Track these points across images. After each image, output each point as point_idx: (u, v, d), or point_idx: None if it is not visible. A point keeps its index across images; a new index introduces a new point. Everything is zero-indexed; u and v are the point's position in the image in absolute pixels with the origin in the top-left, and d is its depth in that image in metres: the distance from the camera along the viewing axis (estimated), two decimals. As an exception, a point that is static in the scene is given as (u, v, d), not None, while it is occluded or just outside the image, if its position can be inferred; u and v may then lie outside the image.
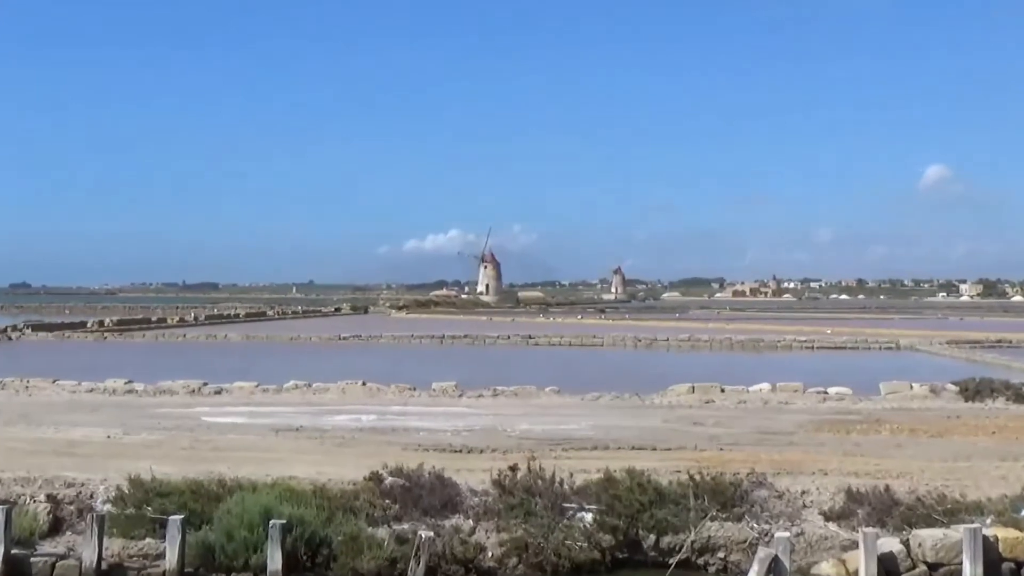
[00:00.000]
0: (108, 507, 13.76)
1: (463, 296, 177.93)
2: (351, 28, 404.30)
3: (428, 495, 13.95)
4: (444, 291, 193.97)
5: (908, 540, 12.81)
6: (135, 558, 12.97)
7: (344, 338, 66.15)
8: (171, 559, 12.59)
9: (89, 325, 76.73)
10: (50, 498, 14.02)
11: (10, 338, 66.10)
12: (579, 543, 13.29)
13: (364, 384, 30.12)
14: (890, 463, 17.21)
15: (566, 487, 14.10)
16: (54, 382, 30.69)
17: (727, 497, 13.86)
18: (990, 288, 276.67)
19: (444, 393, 28.86)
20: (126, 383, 30.04)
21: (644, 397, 28.11)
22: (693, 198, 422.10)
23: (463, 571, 13.04)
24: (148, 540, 13.12)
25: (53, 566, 12.72)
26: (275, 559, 12.40)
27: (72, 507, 13.97)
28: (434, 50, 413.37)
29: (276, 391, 29.33)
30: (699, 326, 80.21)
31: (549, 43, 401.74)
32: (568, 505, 13.81)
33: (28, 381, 30.64)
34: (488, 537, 13.44)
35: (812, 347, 60.32)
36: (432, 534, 12.86)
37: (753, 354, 57.47)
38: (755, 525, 13.61)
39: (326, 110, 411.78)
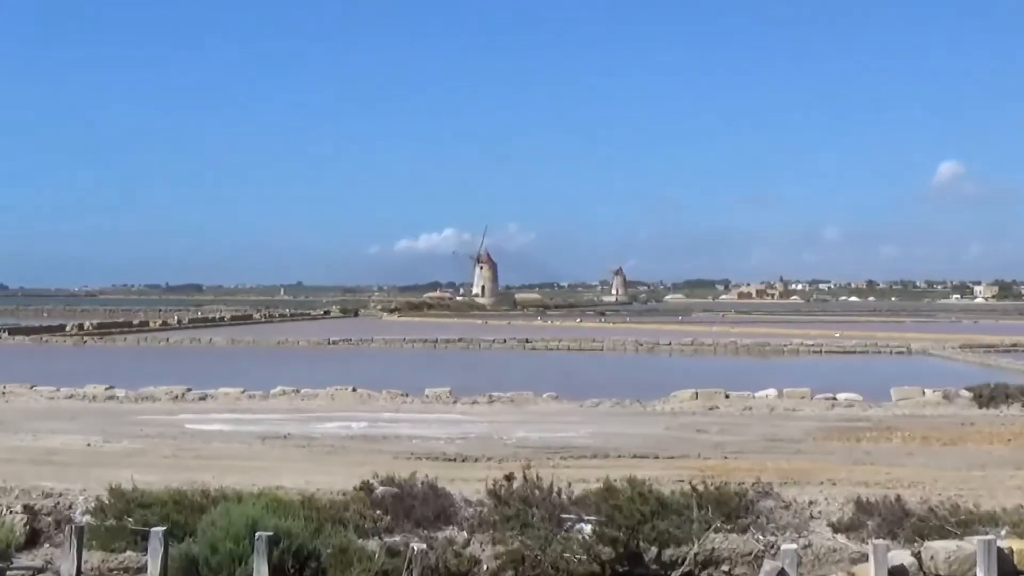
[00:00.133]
0: (87, 518, 13.72)
1: (458, 298, 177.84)
2: (350, 28, 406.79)
3: (421, 505, 13.93)
4: (438, 293, 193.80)
5: (920, 552, 12.80)
6: (115, 571, 12.94)
7: (334, 342, 66.13)
8: (153, 572, 12.55)
9: (68, 328, 76.60)
10: (27, 509, 13.98)
11: (-14, 342, 66.11)
12: (578, 555, 13.26)
13: (354, 390, 30.12)
14: (901, 472, 17.22)
15: (564, 497, 14.08)
16: (31, 388, 30.66)
17: (732, 508, 13.85)
18: (1006, 290, 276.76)
19: (438, 399, 28.86)
20: (106, 389, 30.02)
21: (646, 403, 28.12)
22: (697, 196, 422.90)
23: (457, 585, 13.03)
24: (129, 553, 13.09)
25: (30, 580, 12.69)
26: (261, 572, 12.36)
27: (50, 518, 13.93)
28: (433, 49, 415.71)
29: (263, 397, 29.32)
30: (703, 329, 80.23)
31: (549, 43, 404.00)
32: (566, 516, 13.79)
33: (4, 387, 30.63)
34: (483, 549, 13.43)
35: (820, 351, 60.38)
36: (425, 546, 12.84)
37: (759, 358, 57.52)
38: (761, 537, 13.60)
39: (317, 108, 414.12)
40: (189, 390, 29.90)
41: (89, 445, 20.16)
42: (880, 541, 12.74)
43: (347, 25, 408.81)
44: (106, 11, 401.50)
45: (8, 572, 12.76)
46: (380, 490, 14.42)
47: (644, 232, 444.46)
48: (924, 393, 29.35)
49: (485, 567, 13.24)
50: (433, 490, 14.35)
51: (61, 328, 77.43)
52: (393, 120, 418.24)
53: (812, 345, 62.55)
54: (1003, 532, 13.23)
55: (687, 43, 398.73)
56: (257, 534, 12.55)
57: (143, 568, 12.78)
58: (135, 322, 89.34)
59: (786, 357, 58.09)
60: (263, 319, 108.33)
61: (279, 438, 21.34)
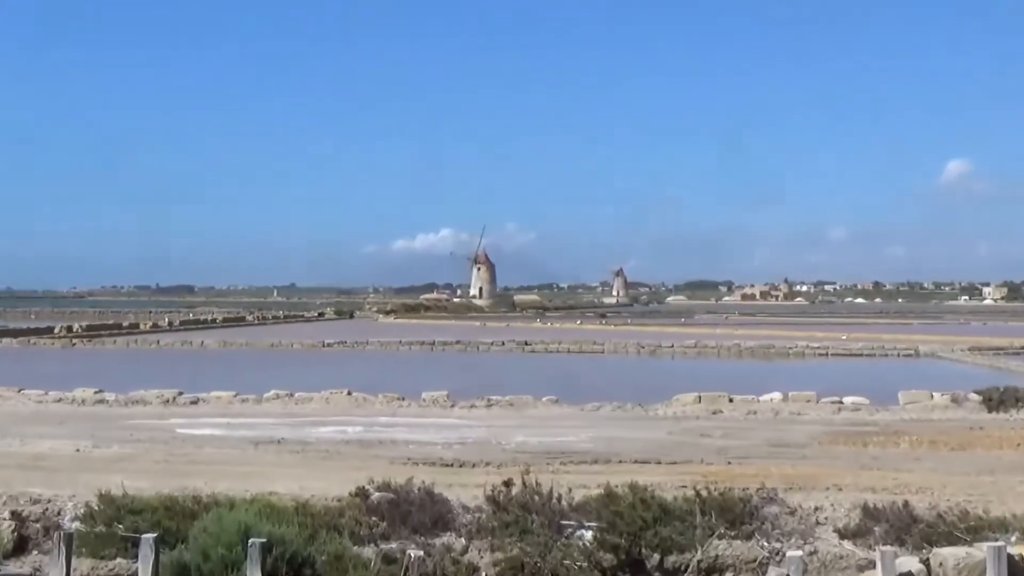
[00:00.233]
0: (76, 525, 13.72)
1: (455, 300, 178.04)
2: (350, 28, 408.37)
3: (417, 512, 13.93)
4: (435, 294, 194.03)
5: (928, 559, 12.81)
6: (105, 579, 12.94)
7: (328, 345, 66.11)
8: (144, 580, 12.57)
9: (56, 331, 76.52)
10: (14, 515, 13.97)
11: (-28, 345, 66.06)
12: (578, 563, 13.27)
13: (350, 394, 30.13)
14: (909, 477, 17.24)
15: (564, 503, 14.09)
16: (19, 391, 30.66)
17: (736, 514, 13.85)
18: (1015, 291, 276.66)
19: (435, 403, 28.87)
20: (96, 392, 30.02)
21: (647, 407, 28.14)
22: (699, 196, 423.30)
23: (455, 593, 13.03)
24: (119, 560, 13.09)
25: (18, 588, 12.70)
26: (255, 580, 12.38)
27: (38, 525, 13.93)
28: (433, 49, 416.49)
29: (256, 401, 29.33)
30: (706, 332, 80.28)
31: (549, 43, 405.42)
32: (566, 522, 13.80)
33: (-9, 390, 30.61)
34: (481, 557, 13.43)
35: (826, 354, 60.42)
36: (422, 553, 12.85)
37: (763, 361, 57.55)
38: (765, 544, 13.61)
39: (315, 108, 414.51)
40: (180, 394, 29.91)
41: (78, 450, 20.16)
42: (888, 548, 12.74)
43: (347, 25, 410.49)
44: (106, 11, 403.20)
45: (-5, 580, 12.78)
46: (376, 496, 14.43)
47: (645, 232, 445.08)
48: (932, 397, 29.38)
49: (484, 574, 13.25)
50: (430, 496, 14.36)
51: (49, 330, 77.37)
52: (391, 119, 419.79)
53: (818, 348, 62.60)
54: (1013, 539, 13.23)
55: (687, 43, 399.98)
56: (250, 541, 12.55)
57: (134, 575, 12.79)
58: (125, 324, 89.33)
59: (791, 360, 58.12)
60: (256, 321, 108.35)
61: (272, 443, 21.34)
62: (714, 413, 27.34)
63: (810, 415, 26.97)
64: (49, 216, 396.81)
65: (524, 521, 13.63)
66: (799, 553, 12.68)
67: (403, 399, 29.37)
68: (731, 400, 28.96)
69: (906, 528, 13.70)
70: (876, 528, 13.84)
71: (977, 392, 29.28)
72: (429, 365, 52.28)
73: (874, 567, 12.50)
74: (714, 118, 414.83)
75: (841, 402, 28.76)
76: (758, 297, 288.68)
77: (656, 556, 13.51)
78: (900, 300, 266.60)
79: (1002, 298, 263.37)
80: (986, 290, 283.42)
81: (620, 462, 18.89)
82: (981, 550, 12.66)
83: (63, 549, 12.65)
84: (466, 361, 55.94)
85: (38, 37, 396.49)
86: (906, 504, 14.31)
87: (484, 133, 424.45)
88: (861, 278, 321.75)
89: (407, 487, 14.56)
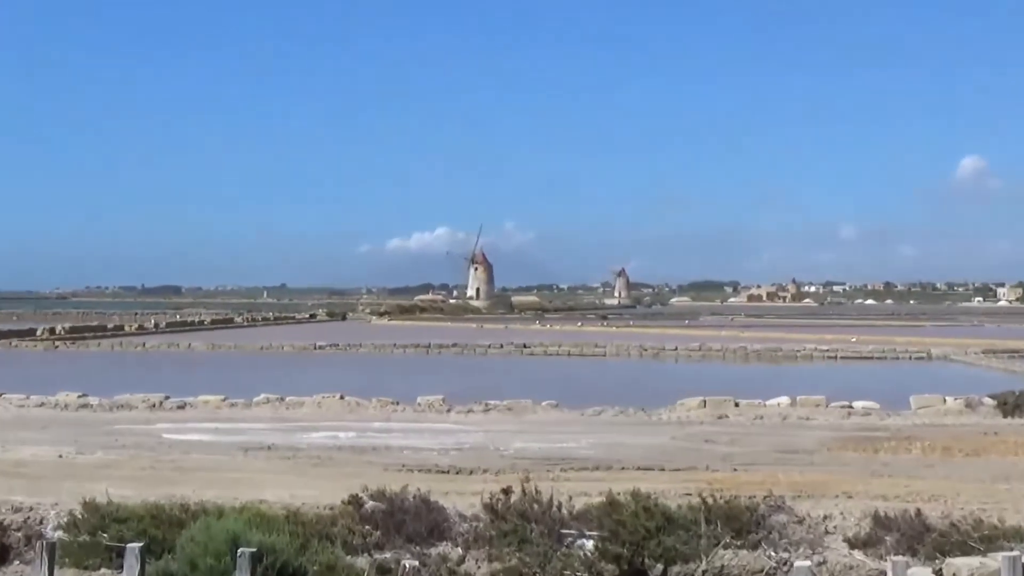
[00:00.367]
0: (59, 534, 13.70)
1: (451, 301, 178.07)
2: (350, 28, 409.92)
3: (412, 520, 13.92)
4: (430, 295, 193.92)
5: (941, 569, 12.81)
6: (89, 590, 12.93)
7: (320, 347, 66.16)
8: (129, 591, 12.56)
9: (39, 333, 76.57)
10: (-5, 524, 13.97)
11: (-49, 347, 66.08)
12: (579, 573, 13.26)
13: (342, 398, 30.12)
14: (921, 485, 17.23)
15: (565, 511, 14.08)
16: (0, 396, 30.62)
17: (742, 522, 13.85)
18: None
19: (430, 408, 28.86)
20: (80, 397, 30.01)
21: (651, 412, 28.14)
22: (704, 194, 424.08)
23: (451, 604, 13.02)
24: (103, 570, 13.07)
25: (-2, 599, 12.69)
26: (244, 591, 12.37)
27: (19, 534, 13.91)
28: (433, 49, 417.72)
29: (245, 406, 29.32)
30: (711, 334, 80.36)
31: (549, 43, 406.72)
32: (567, 531, 13.79)
33: (-29, 395, 30.60)
34: (479, 567, 13.42)
35: (835, 357, 60.50)
36: (417, 563, 12.84)
37: (771, 365, 57.59)
38: (773, 553, 13.60)
39: (303, 104, 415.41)
40: (167, 398, 29.88)
41: (61, 456, 20.15)
42: (899, 558, 12.73)
43: (347, 25, 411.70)
44: (106, 11, 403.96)
45: (-25, 591, 12.76)
46: (370, 504, 14.42)
47: (648, 232, 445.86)
48: (945, 401, 29.39)
49: (481, 585, 13.24)
50: (426, 504, 14.35)
51: (31, 332, 77.43)
52: (389, 118, 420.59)
53: (827, 351, 62.68)
54: (1029, 548, 13.24)
55: (687, 43, 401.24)
56: (239, 550, 12.53)
57: (119, 586, 12.79)
58: (110, 326, 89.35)
59: (799, 363, 58.15)
60: (245, 323, 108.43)
61: (262, 449, 21.33)
62: (719, 418, 27.35)
63: (819, 420, 26.99)
64: (31, 215, 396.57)
65: (523, 530, 13.62)
66: (808, 563, 12.67)
67: (398, 404, 29.36)
68: (737, 405, 28.97)
69: (918, 537, 13.69)
70: (887, 537, 13.84)
71: (992, 396, 29.29)
72: (424, 368, 52.31)
73: (885, 578, 12.51)
74: (720, 116, 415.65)
75: (851, 407, 28.78)
76: (765, 298, 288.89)
77: (660, 566, 13.50)
78: (912, 301, 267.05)
79: (1017, 299, 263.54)
80: (1000, 291, 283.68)
81: (622, 469, 18.90)
82: (996, 560, 12.65)
83: (45, 559, 12.63)
84: (463, 364, 55.99)
85: (38, 37, 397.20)
86: (918, 512, 14.30)
87: (483, 132, 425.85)
88: (871, 278, 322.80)
89: (402, 495, 14.54)
